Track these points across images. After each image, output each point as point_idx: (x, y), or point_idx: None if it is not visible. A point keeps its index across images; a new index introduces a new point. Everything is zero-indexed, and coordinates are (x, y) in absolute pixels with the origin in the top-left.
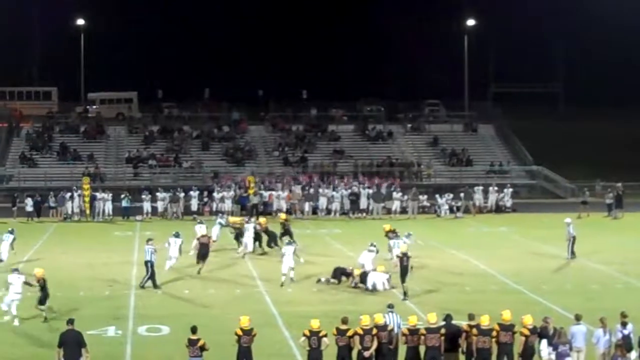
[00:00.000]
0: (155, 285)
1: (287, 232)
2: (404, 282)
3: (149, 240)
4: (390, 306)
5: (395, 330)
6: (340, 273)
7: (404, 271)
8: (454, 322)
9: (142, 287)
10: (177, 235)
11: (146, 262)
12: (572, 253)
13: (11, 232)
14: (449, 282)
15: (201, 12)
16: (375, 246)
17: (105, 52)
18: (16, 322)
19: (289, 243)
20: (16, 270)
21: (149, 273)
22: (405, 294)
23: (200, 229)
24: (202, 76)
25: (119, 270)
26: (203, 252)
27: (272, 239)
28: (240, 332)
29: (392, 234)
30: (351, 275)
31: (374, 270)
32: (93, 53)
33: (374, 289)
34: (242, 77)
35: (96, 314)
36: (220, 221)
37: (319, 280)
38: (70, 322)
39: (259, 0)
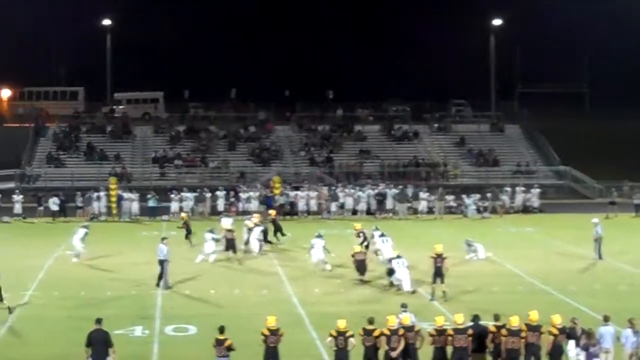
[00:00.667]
0: (167, 286)
1: (277, 228)
2: (434, 283)
3: (163, 239)
4: (404, 306)
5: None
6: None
7: (437, 272)
8: (481, 322)
9: (168, 287)
10: (211, 231)
11: (160, 261)
12: (599, 253)
13: (85, 227)
14: (476, 283)
15: (228, 12)
16: (384, 235)
17: (131, 52)
18: None
19: (319, 236)
20: None
21: (163, 272)
22: (433, 294)
23: (227, 223)
24: (229, 76)
25: (145, 270)
26: (230, 246)
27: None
28: (267, 332)
29: (362, 233)
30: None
31: (398, 257)
32: (120, 53)
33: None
34: (268, 77)
35: (123, 313)
36: (213, 237)
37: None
38: (98, 321)
39: (285, 1)
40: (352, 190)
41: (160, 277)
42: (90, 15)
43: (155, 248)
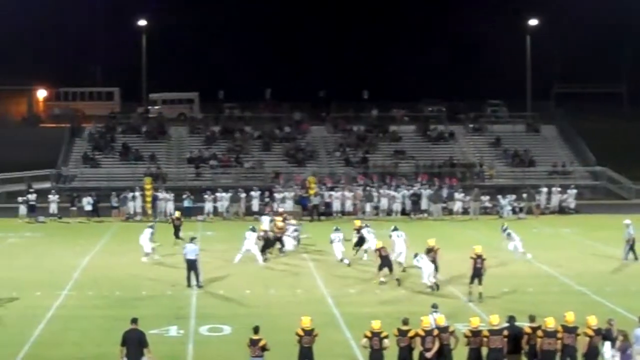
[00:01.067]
0: (189, 284)
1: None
2: (472, 284)
3: (192, 238)
4: (435, 306)
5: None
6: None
7: (476, 273)
8: (517, 323)
9: (199, 286)
10: (253, 230)
11: (189, 261)
12: (631, 254)
13: (151, 227)
14: (511, 284)
15: (263, 13)
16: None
17: (167, 53)
18: None
19: (337, 230)
20: None
21: (195, 271)
22: (470, 294)
23: (266, 224)
24: (264, 76)
25: (180, 270)
26: (266, 245)
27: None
28: (301, 333)
29: (360, 230)
30: None
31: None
32: (155, 53)
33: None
34: (303, 78)
35: (158, 313)
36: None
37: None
38: (134, 321)
39: (321, 1)
40: (387, 191)
41: (189, 278)
42: (126, 15)
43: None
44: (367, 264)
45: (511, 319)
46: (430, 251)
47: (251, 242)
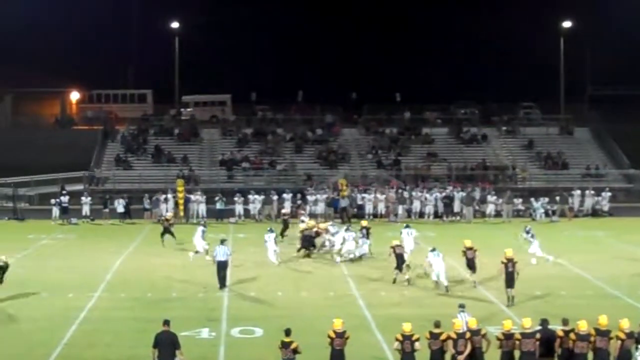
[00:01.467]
0: (220, 286)
1: (286, 226)
2: (508, 288)
3: (222, 240)
4: (462, 306)
5: (465, 329)
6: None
7: (509, 277)
8: (549, 327)
9: (224, 286)
10: (271, 230)
11: (220, 262)
12: None
13: (203, 226)
14: (544, 287)
15: (295, 15)
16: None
17: (199, 55)
18: None
19: (270, 230)
20: None
21: (225, 272)
22: (509, 299)
23: (305, 221)
24: (296, 79)
25: (212, 272)
26: (307, 243)
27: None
28: (332, 335)
29: (365, 229)
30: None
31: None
32: (188, 56)
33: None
34: (335, 80)
35: (190, 315)
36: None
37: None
38: (166, 323)
39: (353, 3)
40: (420, 193)
41: (220, 279)
42: (158, 18)
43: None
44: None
45: (544, 322)
46: (469, 250)
47: (272, 244)
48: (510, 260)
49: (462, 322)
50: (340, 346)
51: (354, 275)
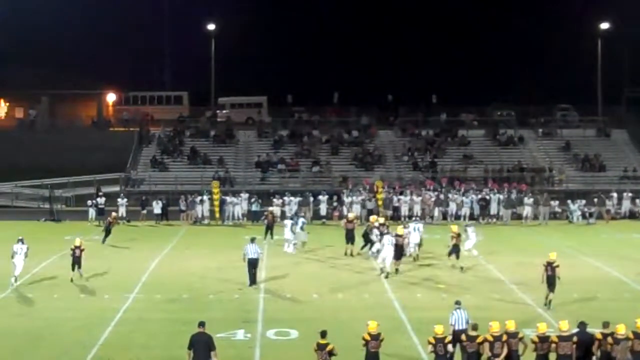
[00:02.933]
0: (251, 283)
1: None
2: (552, 292)
3: (252, 239)
4: (458, 302)
5: (464, 326)
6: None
7: (550, 281)
8: (588, 330)
9: (253, 283)
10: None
11: (249, 260)
12: None
13: (303, 217)
14: (581, 290)
15: (331, 17)
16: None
17: (235, 57)
18: None
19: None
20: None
21: (255, 270)
22: (547, 302)
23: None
24: (332, 81)
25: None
26: (350, 236)
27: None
28: (367, 337)
29: (382, 227)
30: None
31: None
32: (224, 57)
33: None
34: (371, 82)
35: (225, 317)
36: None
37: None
38: (202, 324)
39: (389, 4)
40: (456, 196)
41: (251, 276)
42: (195, 20)
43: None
44: (437, 267)
45: (582, 325)
46: (549, 265)
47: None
48: (550, 263)
49: (456, 316)
50: (375, 348)
51: (390, 278)
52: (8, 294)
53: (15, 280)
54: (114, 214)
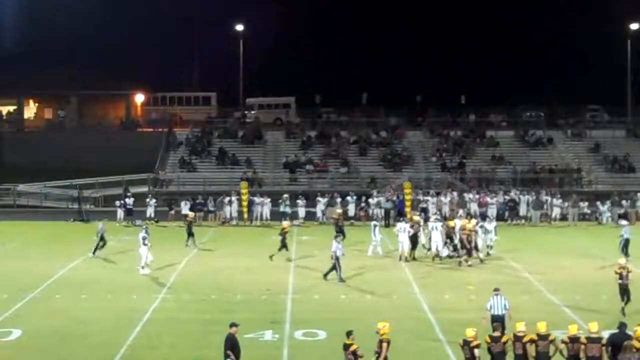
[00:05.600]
0: (340, 279)
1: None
2: (629, 300)
3: (336, 236)
4: (496, 289)
5: (501, 312)
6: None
7: (621, 288)
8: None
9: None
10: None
11: (336, 257)
12: None
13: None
14: (611, 292)
15: (359, 18)
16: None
17: (263, 58)
18: None
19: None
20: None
21: (336, 267)
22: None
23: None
24: (360, 81)
25: (276, 274)
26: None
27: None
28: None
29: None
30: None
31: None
32: (252, 58)
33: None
34: (399, 83)
35: (253, 317)
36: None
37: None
38: (234, 325)
39: (417, 6)
40: (477, 196)
41: (334, 270)
42: (223, 21)
43: (286, 253)
44: (464, 267)
45: (622, 326)
46: (622, 270)
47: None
48: (624, 268)
49: (495, 304)
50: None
51: (418, 278)
52: (36, 294)
53: (142, 268)
54: (191, 213)
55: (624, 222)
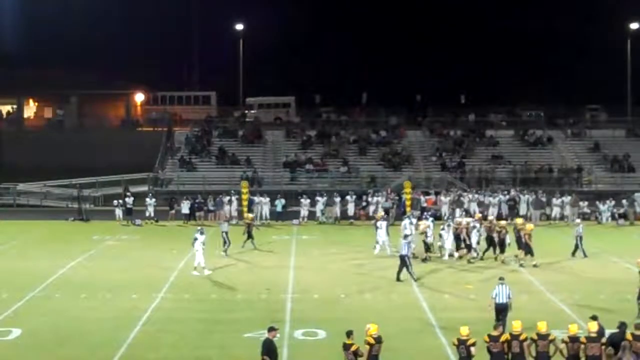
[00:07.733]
0: (413, 277)
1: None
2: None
3: (406, 236)
4: (501, 278)
5: (505, 300)
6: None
7: None
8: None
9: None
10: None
11: (401, 257)
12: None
13: (385, 219)
14: (611, 291)
15: (359, 17)
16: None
17: (263, 57)
18: None
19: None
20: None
21: (407, 265)
22: None
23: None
24: (360, 81)
25: (276, 274)
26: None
27: None
28: (372, 341)
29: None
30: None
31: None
32: (252, 58)
33: None
34: (399, 82)
35: (253, 317)
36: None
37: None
38: (272, 329)
39: (417, 5)
40: (476, 196)
41: (405, 269)
42: (223, 20)
43: (287, 252)
44: (466, 269)
45: (622, 325)
46: None
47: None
48: None
49: (500, 293)
50: (377, 352)
51: (418, 277)
52: (35, 294)
53: (195, 269)
54: (250, 215)
55: (578, 220)
